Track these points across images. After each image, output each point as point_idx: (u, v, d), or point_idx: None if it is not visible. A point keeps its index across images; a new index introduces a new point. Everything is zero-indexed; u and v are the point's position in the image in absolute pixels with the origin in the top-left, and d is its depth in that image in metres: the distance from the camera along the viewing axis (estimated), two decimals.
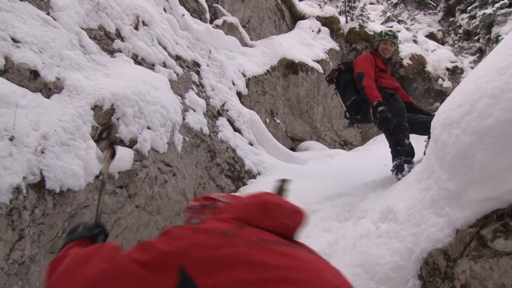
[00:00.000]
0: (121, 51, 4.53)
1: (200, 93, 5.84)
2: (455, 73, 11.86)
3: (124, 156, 3.31)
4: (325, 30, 11.58)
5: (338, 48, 11.41)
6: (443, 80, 11.56)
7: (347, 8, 12.80)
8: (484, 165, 1.71)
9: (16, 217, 2.34)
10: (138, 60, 4.74)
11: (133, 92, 3.67)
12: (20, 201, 2.39)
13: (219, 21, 8.43)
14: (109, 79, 3.75)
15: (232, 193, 3.61)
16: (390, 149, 4.19)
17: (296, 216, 1.17)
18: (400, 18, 15.09)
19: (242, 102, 7.11)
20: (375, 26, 12.45)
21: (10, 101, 2.65)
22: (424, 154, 3.24)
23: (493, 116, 1.68)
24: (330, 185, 4.74)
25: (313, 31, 11.16)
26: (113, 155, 1.78)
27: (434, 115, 2.74)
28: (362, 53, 9.04)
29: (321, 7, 12.51)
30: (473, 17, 13.26)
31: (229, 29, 8.54)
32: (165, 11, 6.28)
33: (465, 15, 13.85)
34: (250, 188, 5.03)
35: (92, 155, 2.92)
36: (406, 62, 11.69)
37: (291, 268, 0.90)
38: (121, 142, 3.43)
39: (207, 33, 6.95)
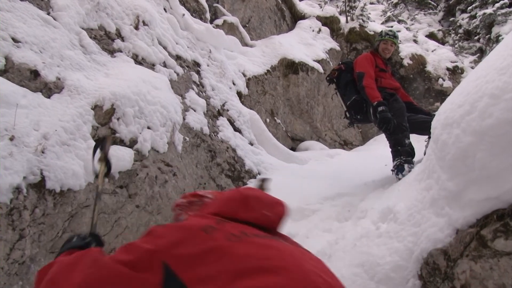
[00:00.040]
0: (121, 51, 4.54)
1: (201, 93, 5.84)
2: (455, 73, 11.86)
3: (124, 156, 3.31)
4: (326, 30, 11.58)
5: (338, 48, 11.41)
6: (444, 80, 11.56)
7: (348, 8, 12.80)
8: (484, 165, 1.71)
9: (17, 217, 2.35)
10: (138, 60, 4.74)
11: (133, 92, 3.67)
12: (21, 201, 2.39)
13: (219, 21, 8.43)
14: (110, 79, 3.75)
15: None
16: (390, 149, 4.19)
17: (276, 208, 1.19)
18: (400, 18, 15.09)
19: (242, 102, 7.11)
20: (375, 26, 12.45)
21: (11, 101, 2.65)
22: (425, 154, 3.23)
23: (493, 116, 1.68)
24: (330, 185, 4.75)
25: (313, 31, 11.15)
26: (108, 168, 1.78)
27: (434, 115, 2.74)
28: (362, 53, 9.04)
29: (321, 7, 12.50)
30: (473, 17, 13.25)
31: (230, 29, 8.54)
32: (166, 11, 6.28)
33: (465, 15, 13.84)
34: None
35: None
36: (406, 62, 11.69)
37: (271, 258, 0.92)
38: (121, 142, 3.43)
39: (207, 33, 6.95)
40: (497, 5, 12.35)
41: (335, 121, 10.20)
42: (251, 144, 6.25)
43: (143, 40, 5.00)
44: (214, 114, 5.88)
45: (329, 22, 11.86)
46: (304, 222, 3.86)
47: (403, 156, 3.93)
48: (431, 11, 15.80)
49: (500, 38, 11.18)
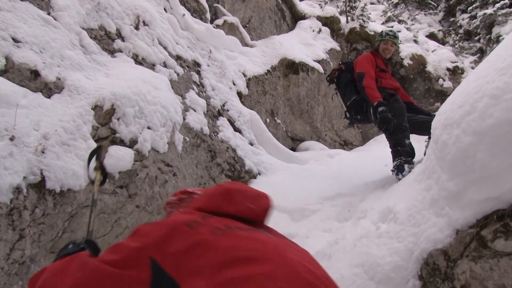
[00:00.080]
0: (121, 51, 4.54)
1: (201, 93, 5.84)
2: (455, 73, 11.86)
3: (124, 156, 3.31)
4: (326, 30, 11.58)
5: (338, 48, 11.41)
6: (444, 80, 11.56)
7: (348, 8, 12.79)
8: (485, 165, 1.71)
9: (17, 217, 2.35)
10: (138, 60, 4.75)
11: (133, 92, 3.67)
12: (21, 201, 2.39)
13: (219, 21, 8.43)
14: (110, 79, 3.75)
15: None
16: (390, 149, 4.19)
17: (260, 201, 1.20)
18: (400, 18, 15.09)
19: (242, 102, 7.11)
20: (375, 26, 12.44)
21: (11, 101, 2.65)
22: (425, 154, 3.23)
23: (494, 117, 1.68)
24: (330, 185, 4.74)
25: (313, 31, 11.15)
26: (104, 177, 1.80)
27: (434, 115, 2.74)
28: (362, 53, 9.04)
29: (321, 7, 12.50)
30: (473, 17, 13.25)
31: (230, 29, 8.54)
32: (166, 11, 6.28)
33: (465, 15, 13.84)
34: None
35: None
36: (406, 62, 11.68)
37: (255, 250, 0.95)
38: (122, 142, 3.43)
39: (207, 33, 6.95)
40: (498, 5, 12.35)
41: (335, 121, 10.20)
42: (251, 144, 6.25)
43: (144, 40, 5.00)
44: (214, 114, 5.88)
45: (329, 22, 11.86)
46: (304, 222, 3.86)
47: (403, 157, 3.93)
48: (431, 11, 15.80)
49: (500, 38, 11.18)
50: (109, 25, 4.56)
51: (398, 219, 2.51)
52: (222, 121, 5.91)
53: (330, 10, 12.33)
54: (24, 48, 3.11)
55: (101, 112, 3.33)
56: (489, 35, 12.43)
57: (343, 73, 4.74)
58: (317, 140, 9.52)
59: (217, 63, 6.91)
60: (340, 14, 12.65)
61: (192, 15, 7.15)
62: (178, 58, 5.76)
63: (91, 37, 4.14)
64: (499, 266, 1.65)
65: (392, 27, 12.88)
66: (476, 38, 13.20)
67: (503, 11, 12.15)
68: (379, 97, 4.16)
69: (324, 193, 4.40)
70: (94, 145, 3.06)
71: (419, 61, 11.85)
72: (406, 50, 11.91)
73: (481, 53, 12.73)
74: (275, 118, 8.50)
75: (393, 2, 16.38)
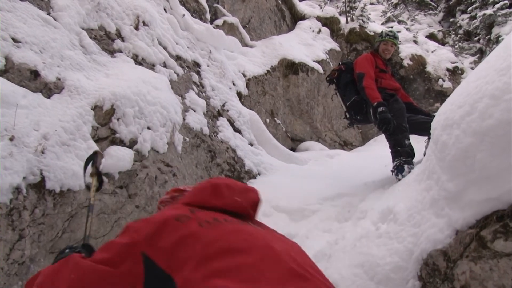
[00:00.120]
0: (121, 51, 4.54)
1: (200, 93, 5.84)
2: (455, 74, 11.86)
3: (124, 156, 3.31)
4: (326, 30, 11.58)
5: (338, 49, 11.41)
6: (444, 81, 11.56)
7: (348, 9, 12.80)
8: (484, 166, 1.71)
9: (16, 217, 2.35)
10: (138, 60, 4.75)
11: (133, 92, 3.67)
12: (20, 201, 2.39)
13: (219, 21, 8.43)
14: (110, 79, 3.75)
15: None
16: (390, 150, 4.19)
17: (248, 194, 1.23)
18: (400, 18, 15.10)
19: (242, 102, 7.11)
20: (375, 26, 12.45)
21: (11, 101, 2.65)
22: (424, 154, 3.24)
23: (493, 117, 1.68)
24: (330, 185, 4.75)
25: (313, 31, 11.16)
26: (100, 182, 1.82)
27: (434, 115, 2.74)
28: (362, 53, 9.05)
29: (321, 8, 12.51)
30: (473, 17, 13.26)
31: (230, 29, 8.55)
32: (166, 11, 6.28)
33: (465, 16, 13.85)
34: None
35: None
36: (406, 62, 11.69)
37: (242, 241, 0.98)
38: (121, 142, 3.43)
39: (207, 33, 6.95)
40: (497, 5, 12.36)
41: (335, 122, 10.20)
42: (251, 144, 6.25)
43: (143, 40, 5.00)
44: (214, 114, 5.88)
45: (329, 23, 11.87)
46: (304, 222, 3.86)
47: (403, 157, 3.93)
48: (431, 11, 15.81)
49: (500, 39, 11.18)
50: (109, 25, 4.56)
51: (398, 219, 2.52)
52: (222, 122, 5.91)
53: (330, 11, 12.34)
54: (24, 48, 3.11)
55: (101, 112, 3.32)
56: (488, 36, 12.44)
57: (342, 73, 4.74)
58: (317, 140, 9.52)
59: (217, 63, 6.91)
60: (340, 15, 12.66)
61: (192, 15, 7.15)
62: (178, 58, 5.76)
63: (91, 37, 4.14)
64: (499, 267, 1.65)
65: (392, 27, 12.89)
66: (476, 38, 13.21)
67: (503, 11, 12.16)
68: (379, 98, 4.16)
69: (324, 193, 4.40)
70: (94, 145, 3.06)
71: (419, 62, 11.85)
72: (406, 50, 11.92)
73: (481, 54, 12.74)
74: (275, 118, 8.51)
75: (392, 2, 16.39)
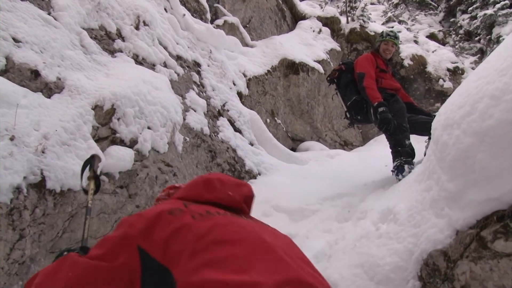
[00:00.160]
0: (122, 51, 4.54)
1: (201, 93, 5.84)
2: (456, 74, 11.86)
3: (124, 156, 3.31)
4: (326, 30, 11.58)
5: (339, 49, 11.41)
6: (444, 81, 11.56)
7: (348, 9, 12.80)
8: (485, 166, 1.71)
9: (17, 217, 2.35)
10: (138, 60, 4.75)
11: (133, 92, 3.67)
12: (21, 200, 2.39)
13: (220, 21, 8.43)
14: (110, 79, 3.75)
15: None
16: (390, 150, 4.19)
17: (240, 189, 1.25)
18: (401, 18, 15.09)
19: (242, 102, 7.11)
20: (376, 26, 12.45)
21: (11, 101, 2.65)
22: (425, 155, 3.24)
23: (494, 117, 1.68)
24: (330, 185, 4.74)
25: (314, 31, 11.16)
26: (97, 186, 1.83)
27: (434, 115, 2.74)
28: (363, 53, 9.05)
29: (322, 7, 12.51)
30: (474, 17, 13.25)
31: (230, 29, 8.55)
32: (166, 11, 6.28)
33: (466, 16, 13.84)
34: None
35: None
36: (407, 62, 11.69)
37: (233, 233, 1.00)
38: (122, 142, 3.43)
39: (208, 33, 6.95)
40: (498, 5, 12.35)
41: (335, 122, 10.20)
42: (251, 144, 6.25)
43: (144, 40, 5.00)
44: (214, 114, 5.88)
45: (329, 23, 11.86)
46: (304, 222, 3.86)
47: (403, 157, 3.93)
48: (431, 11, 15.80)
49: (500, 39, 11.18)
50: (109, 25, 4.57)
51: (398, 219, 2.51)
52: (222, 121, 5.91)
53: (331, 11, 12.34)
54: (25, 48, 3.11)
55: (101, 112, 3.33)
56: (489, 36, 12.43)
57: (343, 73, 4.74)
58: (317, 140, 9.52)
59: (217, 63, 6.91)
60: (341, 15, 12.66)
61: (192, 15, 7.15)
62: (178, 58, 5.76)
63: (91, 37, 4.14)
64: (499, 267, 1.65)
65: (392, 27, 12.88)
66: (477, 38, 13.20)
67: (504, 11, 12.15)
68: (380, 98, 4.16)
69: (324, 193, 4.40)
70: (94, 145, 3.06)
71: (420, 62, 11.85)
72: (407, 50, 11.92)
73: (482, 54, 12.73)
74: (275, 118, 8.51)
75: (393, 2, 16.39)
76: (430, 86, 11.56)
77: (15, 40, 3.08)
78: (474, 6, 13.41)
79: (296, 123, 9.38)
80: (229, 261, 0.90)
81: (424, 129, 3.85)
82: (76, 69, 3.53)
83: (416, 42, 12.69)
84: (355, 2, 13.10)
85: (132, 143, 3.52)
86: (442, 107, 2.28)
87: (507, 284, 1.61)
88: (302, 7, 12.00)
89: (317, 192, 4.46)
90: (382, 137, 5.69)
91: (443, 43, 13.75)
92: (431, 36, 13.82)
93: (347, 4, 12.90)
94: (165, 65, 5.25)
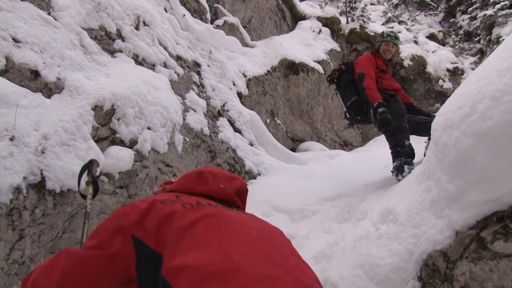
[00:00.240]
0: (121, 51, 4.54)
1: (201, 93, 5.84)
2: (455, 74, 11.86)
3: (124, 157, 3.31)
4: (326, 30, 11.59)
5: (338, 49, 11.42)
6: (444, 81, 11.56)
7: (348, 9, 12.80)
8: (484, 167, 1.71)
9: (16, 217, 2.35)
10: (138, 60, 4.75)
11: (133, 93, 3.67)
12: (21, 201, 2.39)
13: (219, 21, 8.43)
14: (110, 79, 3.75)
15: None
16: (390, 150, 4.19)
17: (232, 182, 1.28)
18: (400, 19, 15.10)
19: (242, 103, 7.11)
20: (376, 26, 12.46)
21: (11, 101, 2.65)
22: (424, 155, 3.24)
23: (494, 118, 1.68)
24: (330, 185, 4.74)
25: (313, 31, 11.16)
26: (95, 190, 1.84)
27: (434, 116, 2.74)
28: (363, 53, 9.04)
29: (322, 8, 12.52)
30: (473, 18, 13.26)
31: (230, 29, 8.55)
32: (166, 11, 6.28)
33: (465, 16, 13.85)
34: (251, 189, 5.02)
35: (92, 155, 2.93)
36: (406, 63, 11.69)
37: (221, 221, 1.03)
38: (122, 143, 3.43)
39: (207, 33, 6.95)
40: (498, 6, 12.36)
41: (335, 122, 10.20)
42: (251, 144, 6.25)
43: (144, 40, 5.00)
44: (214, 114, 5.88)
45: (329, 23, 11.87)
46: (303, 223, 3.86)
47: (403, 157, 3.93)
48: (431, 12, 15.81)
49: (500, 39, 11.18)
50: (109, 25, 4.56)
51: (398, 220, 2.51)
52: (222, 122, 5.91)
53: (330, 11, 12.34)
54: (25, 48, 3.11)
55: (101, 113, 3.33)
56: (489, 36, 12.44)
57: (343, 73, 4.74)
58: (317, 140, 9.52)
59: (217, 63, 6.91)
60: (340, 15, 12.67)
61: (192, 16, 7.15)
62: (178, 58, 5.76)
63: (91, 37, 4.14)
64: (499, 268, 1.65)
65: (392, 28, 12.89)
66: (476, 39, 13.21)
67: (503, 12, 12.15)
68: (379, 98, 4.16)
69: (324, 193, 4.39)
70: (94, 145, 3.06)
71: (419, 62, 11.86)
72: (406, 51, 11.93)
73: (481, 54, 12.74)
74: (275, 118, 8.51)
75: (393, 3, 16.40)
76: (430, 86, 11.57)
77: (15, 40, 3.08)
78: (474, 6, 13.42)
79: (296, 123, 9.38)
80: (213, 247, 0.93)
81: (424, 130, 3.85)
82: (76, 69, 3.53)
83: (416, 42, 12.70)
84: (355, 3, 13.10)
85: (132, 144, 3.52)
86: (442, 108, 2.28)
87: (507, 284, 1.61)
88: (302, 7, 12.01)
89: (317, 193, 4.46)
90: (382, 138, 5.69)
91: (443, 43, 13.76)
92: (431, 37, 13.83)
93: (347, 5, 12.91)
94: (165, 65, 5.25)
